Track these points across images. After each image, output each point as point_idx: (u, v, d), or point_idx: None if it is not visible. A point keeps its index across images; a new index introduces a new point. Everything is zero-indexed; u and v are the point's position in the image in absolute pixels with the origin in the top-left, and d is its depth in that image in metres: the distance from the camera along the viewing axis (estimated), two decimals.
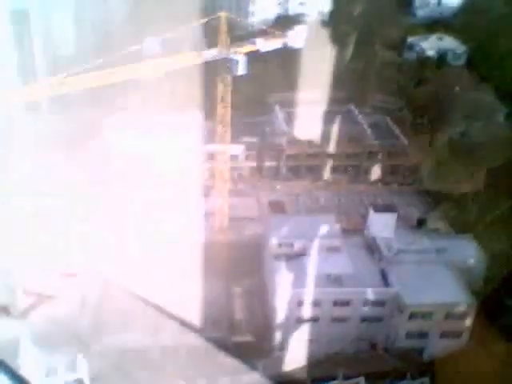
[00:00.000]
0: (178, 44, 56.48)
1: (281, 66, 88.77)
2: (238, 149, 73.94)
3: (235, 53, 54.63)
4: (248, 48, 55.77)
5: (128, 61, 54.78)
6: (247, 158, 77.17)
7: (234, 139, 66.02)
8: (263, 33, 60.07)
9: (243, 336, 56.16)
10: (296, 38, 56.98)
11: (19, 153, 72.14)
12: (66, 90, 51.04)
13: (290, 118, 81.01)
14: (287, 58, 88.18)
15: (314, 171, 79.06)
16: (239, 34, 77.28)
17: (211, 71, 57.72)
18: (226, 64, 54.65)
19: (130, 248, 63.34)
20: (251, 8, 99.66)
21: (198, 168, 74.33)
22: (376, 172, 79.60)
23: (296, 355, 54.57)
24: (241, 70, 54.73)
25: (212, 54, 54.40)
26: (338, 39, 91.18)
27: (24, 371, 39.68)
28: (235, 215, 65.91)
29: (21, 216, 56.49)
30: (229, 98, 56.51)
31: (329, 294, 54.34)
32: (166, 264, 62.01)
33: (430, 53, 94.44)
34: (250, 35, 64.87)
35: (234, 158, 70.27)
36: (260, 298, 61.15)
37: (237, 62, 54.32)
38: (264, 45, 55.75)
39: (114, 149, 75.10)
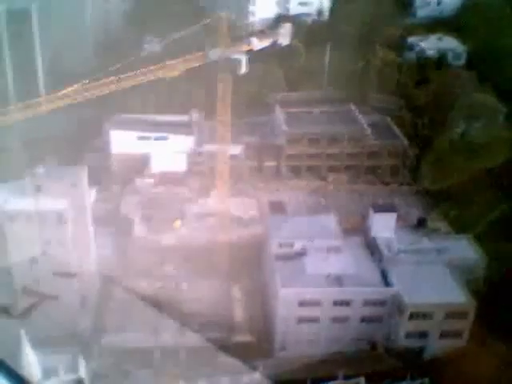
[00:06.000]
0: (178, 44, 56.46)
1: (281, 66, 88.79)
2: (238, 149, 73.88)
3: (236, 52, 54.76)
4: (244, 47, 55.86)
5: (129, 61, 54.77)
6: (247, 157, 77.11)
7: (234, 139, 66.02)
8: (260, 32, 60.67)
9: (243, 336, 56.16)
10: (284, 35, 57.62)
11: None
12: (80, 99, 51.53)
13: (290, 118, 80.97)
14: (287, 58, 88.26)
15: (314, 171, 79.05)
16: (239, 35, 77.39)
17: (211, 71, 57.73)
18: (229, 64, 54.71)
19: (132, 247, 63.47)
20: (251, 8, 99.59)
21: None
22: (376, 172, 79.59)
23: (296, 355, 54.58)
24: (243, 69, 54.97)
25: (216, 54, 54.47)
26: (338, 39, 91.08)
27: (24, 371, 39.66)
28: (235, 215, 65.88)
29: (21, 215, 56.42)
30: (229, 98, 56.46)
31: (329, 294, 54.36)
32: (167, 264, 62.17)
33: (430, 53, 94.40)
34: (249, 35, 65.06)
35: (233, 157, 70.17)
36: (260, 298, 61.18)
37: (239, 61, 54.50)
38: (257, 44, 56.09)
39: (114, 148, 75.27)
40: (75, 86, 51.11)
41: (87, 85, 51.45)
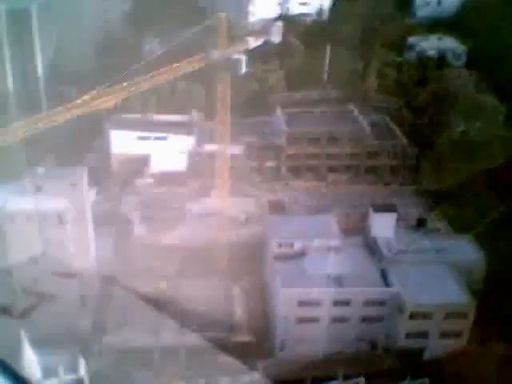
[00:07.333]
0: (178, 45, 56.46)
1: (281, 66, 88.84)
2: (238, 149, 73.91)
3: (235, 52, 54.73)
4: (240, 47, 55.86)
5: (131, 63, 54.88)
6: (247, 157, 77.14)
7: (234, 139, 66.01)
8: (255, 32, 60.98)
9: (243, 336, 56.17)
10: (275, 33, 57.89)
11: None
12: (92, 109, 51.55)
13: (290, 118, 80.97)
14: (287, 58, 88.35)
15: (314, 171, 79.04)
16: (239, 35, 77.39)
17: (211, 71, 57.79)
18: (229, 64, 54.68)
19: (132, 247, 63.46)
20: (251, 8, 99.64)
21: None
22: (376, 172, 79.58)
23: (296, 355, 54.58)
24: (243, 69, 54.98)
25: (216, 54, 54.49)
26: (338, 39, 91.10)
27: (24, 371, 39.66)
28: (235, 215, 65.92)
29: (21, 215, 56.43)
30: (229, 98, 56.45)
31: (329, 294, 54.35)
32: (167, 264, 62.13)
33: (430, 53, 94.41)
34: (246, 35, 65.14)
35: (233, 157, 70.18)
36: (260, 298, 61.18)
37: (239, 61, 54.47)
38: (251, 42, 56.22)
39: (114, 149, 75.29)
40: (91, 93, 51.06)
41: (102, 92, 51.34)
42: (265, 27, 60.83)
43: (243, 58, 54.75)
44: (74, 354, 48.39)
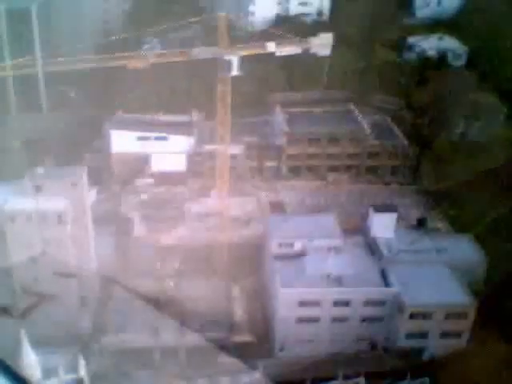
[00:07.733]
0: (177, 44, 56.48)
1: (281, 66, 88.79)
2: (238, 149, 73.92)
3: (230, 53, 54.35)
4: (256, 50, 55.46)
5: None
6: (247, 158, 77.13)
7: (234, 139, 66.03)
8: (269, 35, 59.75)
9: (243, 336, 56.17)
10: (321, 45, 56.37)
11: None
12: (57, 69, 51.38)
13: (290, 118, 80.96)
14: (287, 58, 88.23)
15: (314, 171, 79.04)
16: (239, 34, 77.44)
17: (211, 71, 57.74)
18: (221, 64, 54.49)
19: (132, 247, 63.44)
20: (251, 8, 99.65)
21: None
22: (376, 172, 79.58)
23: (296, 355, 54.57)
24: (234, 71, 54.45)
25: (196, 51, 54.07)
26: (337, 39, 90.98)
27: (24, 371, 39.65)
28: (235, 215, 65.94)
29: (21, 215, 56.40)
30: (228, 98, 56.40)
31: (329, 294, 54.36)
32: (167, 264, 62.16)
33: (430, 53, 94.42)
34: (250, 35, 64.86)
35: (233, 157, 70.17)
36: (260, 298, 61.18)
37: (230, 62, 54.03)
38: (280, 49, 55.10)
39: (114, 148, 75.27)
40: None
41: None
42: (305, 36, 57.41)
43: (234, 59, 54.15)
44: (74, 354, 48.34)
